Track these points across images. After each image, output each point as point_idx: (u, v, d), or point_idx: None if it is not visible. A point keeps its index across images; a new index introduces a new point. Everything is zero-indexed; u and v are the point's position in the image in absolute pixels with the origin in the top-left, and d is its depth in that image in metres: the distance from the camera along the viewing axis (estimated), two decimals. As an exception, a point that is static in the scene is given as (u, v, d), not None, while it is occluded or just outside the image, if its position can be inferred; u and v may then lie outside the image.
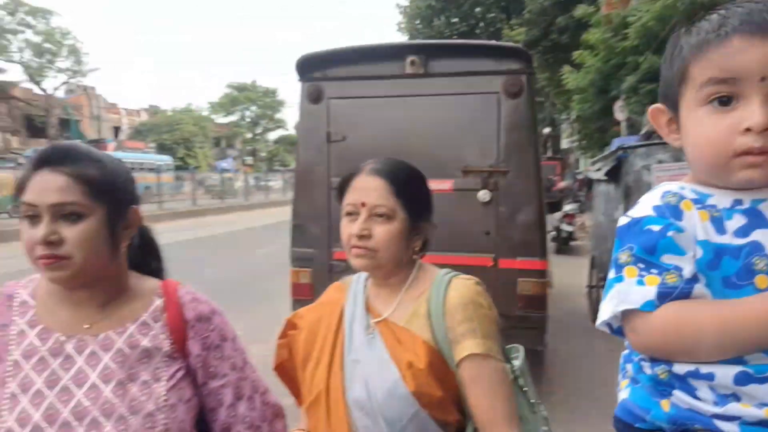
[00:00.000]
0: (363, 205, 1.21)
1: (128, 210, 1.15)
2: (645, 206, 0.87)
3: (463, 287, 1.20)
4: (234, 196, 29.60)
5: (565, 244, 11.98)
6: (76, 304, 1.12)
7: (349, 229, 1.23)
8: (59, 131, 35.74)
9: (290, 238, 4.10)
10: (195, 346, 1.17)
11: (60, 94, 36.90)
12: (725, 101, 0.78)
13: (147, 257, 1.29)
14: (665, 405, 0.85)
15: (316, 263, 3.99)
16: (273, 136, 57.63)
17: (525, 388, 1.26)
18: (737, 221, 0.82)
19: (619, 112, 13.98)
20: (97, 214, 1.07)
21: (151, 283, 1.23)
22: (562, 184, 16.24)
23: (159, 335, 1.14)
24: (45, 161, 1.06)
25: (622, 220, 0.88)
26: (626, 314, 0.83)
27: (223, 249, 12.56)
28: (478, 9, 23.82)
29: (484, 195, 3.71)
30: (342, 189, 1.28)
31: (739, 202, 0.83)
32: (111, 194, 1.10)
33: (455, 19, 23.35)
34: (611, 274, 0.86)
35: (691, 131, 0.84)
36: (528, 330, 3.62)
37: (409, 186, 1.25)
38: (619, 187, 5.84)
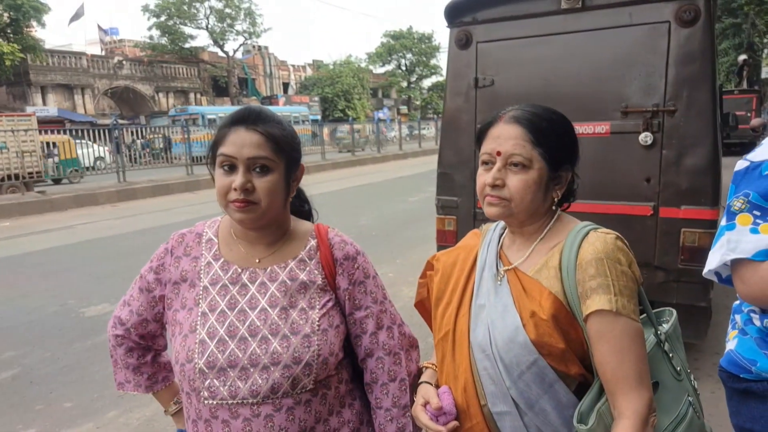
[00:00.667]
0: (498, 154, 1.21)
1: (297, 166, 1.34)
2: (766, 150, 0.81)
3: (599, 241, 1.14)
4: (389, 144, 30.50)
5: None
6: (251, 243, 1.34)
7: (483, 178, 1.23)
8: (239, 90, 39.74)
9: (436, 186, 4.20)
10: (343, 281, 1.34)
11: (239, 55, 40.75)
12: None
13: (302, 203, 1.48)
14: None
15: (461, 211, 4.05)
16: (427, 83, 57.53)
17: (671, 354, 1.19)
18: None
19: None
20: (280, 168, 1.26)
21: (307, 226, 1.42)
22: (756, 122, 13.93)
23: (313, 270, 1.33)
24: (242, 120, 1.25)
25: (740, 164, 0.83)
26: (736, 263, 0.79)
27: (379, 197, 13.16)
28: None
29: (645, 137, 3.40)
30: (480, 137, 1.28)
31: None
32: (289, 152, 1.28)
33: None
34: (723, 221, 0.82)
35: None
36: (691, 285, 3.32)
37: (550, 134, 1.20)
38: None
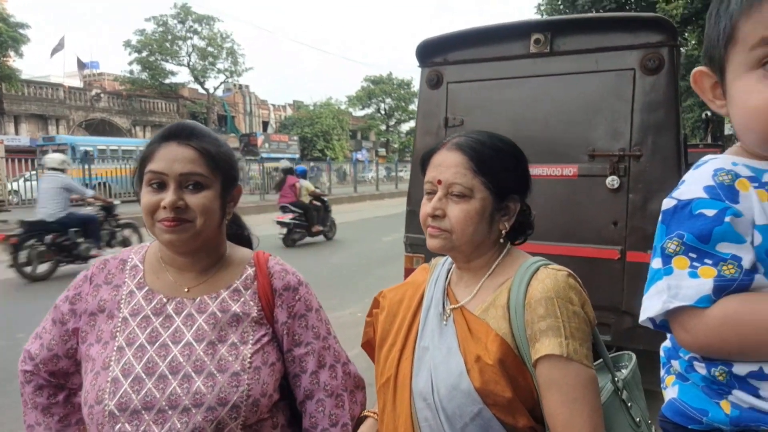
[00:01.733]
0: (439, 182, 1.15)
1: (234, 186, 1.24)
2: (694, 187, 0.76)
3: (550, 278, 1.07)
4: (366, 185, 30.68)
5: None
6: (180, 270, 1.23)
7: (425, 208, 1.18)
8: (217, 126, 39.80)
9: (405, 224, 4.14)
10: (281, 314, 1.23)
11: (219, 92, 41.02)
12: None
13: (239, 228, 1.38)
14: (726, 406, 0.75)
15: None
16: (405, 128, 58.60)
17: (629, 404, 1.12)
18: None
19: None
20: (215, 186, 1.17)
21: (245, 252, 1.31)
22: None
23: (249, 301, 1.22)
24: (173, 135, 1.16)
25: (667, 203, 0.79)
26: (676, 310, 0.73)
27: (353, 235, 13.09)
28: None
29: (612, 181, 3.41)
30: (423, 165, 1.23)
31: None
32: (226, 170, 1.20)
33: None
34: (656, 264, 0.76)
35: (740, 98, 0.75)
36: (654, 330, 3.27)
37: (494, 162, 1.15)
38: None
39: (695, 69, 0.84)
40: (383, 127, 57.34)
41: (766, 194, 0.74)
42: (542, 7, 24.43)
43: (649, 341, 3.30)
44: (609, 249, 3.40)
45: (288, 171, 11.73)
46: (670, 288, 0.74)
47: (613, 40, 3.45)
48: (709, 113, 22.73)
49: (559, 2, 23.12)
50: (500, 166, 1.16)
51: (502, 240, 1.20)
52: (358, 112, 55.98)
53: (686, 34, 16.03)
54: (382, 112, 56.64)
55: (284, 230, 11.02)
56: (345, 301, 6.69)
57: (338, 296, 6.81)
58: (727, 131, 24.03)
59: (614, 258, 3.39)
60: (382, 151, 56.27)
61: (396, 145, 58.54)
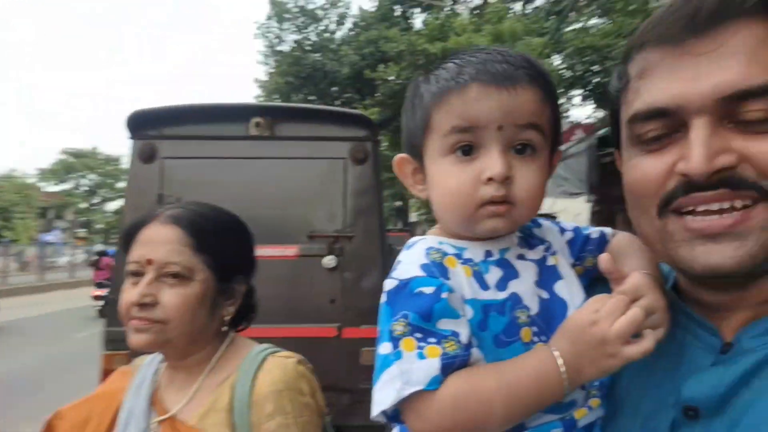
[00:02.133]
0: (150, 262, 0.98)
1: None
2: (411, 266, 0.77)
3: (278, 368, 0.98)
4: (58, 271, 26.19)
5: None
6: None
7: (128, 295, 0.97)
8: None
9: (105, 316, 3.55)
10: None
11: None
12: (467, 150, 0.77)
13: None
14: None
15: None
16: (113, 206, 53.08)
17: None
18: (494, 274, 0.79)
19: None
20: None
21: None
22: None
23: None
24: None
25: (389, 283, 0.78)
26: (409, 397, 0.70)
27: (34, 334, 10.82)
28: (334, 88, 24.89)
29: (329, 261, 3.59)
30: (127, 243, 1.03)
31: (489, 253, 0.81)
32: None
33: (312, 97, 24.09)
34: (384, 349, 0.74)
35: (437, 181, 0.80)
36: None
37: (217, 237, 1.03)
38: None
39: (397, 156, 0.88)
40: (84, 205, 50.74)
41: (470, 270, 0.79)
42: (261, 100, 25.84)
43: (367, 416, 3.43)
44: (327, 327, 3.50)
45: None
46: (402, 373, 0.71)
47: (327, 130, 3.76)
48: (399, 203, 26.96)
49: (276, 96, 24.82)
50: (224, 242, 1.04)
51: (225, 328, 1.05)
52: (53, 188, 48.50)
53: (380, 137, 18.85)
54: (84, 189, 50.31)
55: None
56: (15, 421, 5.27)
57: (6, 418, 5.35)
58: (413, 218, 28.75)
59: (332, 336, 3.49)
60: (83, 232, 49.38)
61: (101, 226, 52.16)
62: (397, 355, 0.72)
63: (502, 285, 0.78)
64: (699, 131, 0.62)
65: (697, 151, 0.62)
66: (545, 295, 0.80)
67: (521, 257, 0.82)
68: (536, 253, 0.84)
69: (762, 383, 0.65)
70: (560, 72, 19.39)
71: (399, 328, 0.73)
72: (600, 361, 0.67)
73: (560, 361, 0.69)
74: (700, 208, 0.64)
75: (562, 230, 0.91)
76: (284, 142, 3.73)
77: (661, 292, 0.73)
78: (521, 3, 24.51)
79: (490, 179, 0.75)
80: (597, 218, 7.00)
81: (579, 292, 0.83)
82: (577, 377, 0.69)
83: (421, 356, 0.71)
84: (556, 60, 19.61)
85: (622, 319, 0.65)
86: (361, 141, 3.76)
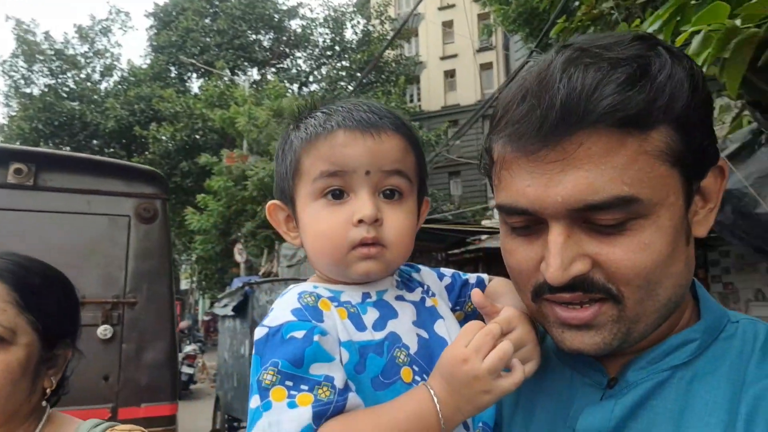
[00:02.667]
0: None
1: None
2: (283, 312, 0.75)
3: None
4: None
5: (185, 388, 11.26)
6: None
7: None
8: None
9: None
10: None
11: None
12: (338, 194, 0.79)
13: None
14: None
15: None
16: None
17: None
18: (372, 314, 0.79)
19: (239, 255, 14.84)
20: None
21: None
22: (182, 324, 15.61)
23: None
24: None
25: (259, 332, 0.76)
26: None
27: None
28: (95, 141, 22.46)
29: (104, 331, 3.13)
30: None
31: (367, 295, 0.82)
32: None
33: (67, 148, 21.30)
34: (254, 402, 0.71)
35: (309, 226, 0.81)
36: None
37: (46, 295, 0.90)
38: (245, 321, 5.93)
39: (269, 202, 0.88)
40: None
41: (346, 312, 0.78)
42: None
43: None
44: (99, 408, 3.01)
45: None
46: (271, 425, 0.67)
47: (108, 184, 3.38)
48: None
49: (19, 143, 21.36)
50: (53, 301, 0.90)
51: (44, 402, 0.88)
52: None
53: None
54: None
55: None
56: None
57: None
58: (183, 286, 26.72)
59: (104, 419, 3.00)
60: None
61: None
62: (266, 407, 0.68)
63: (380, 325, 0.78)
64: (556, 238, 0.65)
65: (553, 262, 0.65)
66: (425, 334, 0.81)
67: (400, 298, 0.84)
68: (415, 295, 0.86)
69: (648, 414, 0.68)
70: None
71: (268, 377, 0.69)
72: (475, 397, 0.68)
73: (436, 399, 0.68)
74: (563, 303, 0.68)
75: (441, 276, 0.94)
76: (55, 193, 3.24)
77: (532, 327, 0.75)
78: (297, 85, 26.15)
79: (360, 221, 0.76)
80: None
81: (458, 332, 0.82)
82: (454, 415, 0.69)
83: (292, 405, 0.68)
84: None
85: (492, 355, 0.67)
86: (150, 198, 3.47)
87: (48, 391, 0.89)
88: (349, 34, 25.90)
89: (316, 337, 0.71)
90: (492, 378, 0.66)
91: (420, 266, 0.94)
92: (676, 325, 0.74)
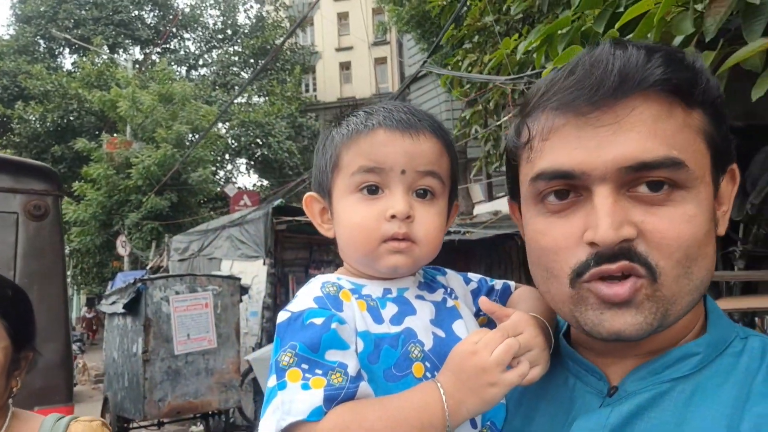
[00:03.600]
0: None
1: None
2: (305, 299, 0.80)
3: (88, 430, 0.97)
4: None
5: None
6: None
7: None
8: None
9: None
10: None
11: None
12: (374, 190, 0.82)
13: None
14: None
15: None
16: None
17: None
18: (390, 309, 0.82)
19: (122, 248, 13.94)
20: None
21: None
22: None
23: None
24: None
25: (282, 315, 0.80)
26: (289, 427, 0.71)
27: None
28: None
29: None
30: None
31: (388, 291, 0.85)
32: None
33: None
34: (271, 381, 0.74)
35: (343, 218, 0.84)
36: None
37: (17, 304, 0.98)
38: (138, 319, 5.73)
39: (307, 194, 0.92)
40: None
41: (365, 304, 0.81)
42: None
43: None
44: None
45: None
46: (284, 403, 0.71)
47: (-8, 179, 3.18)
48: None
49: None
50: (21, 308, 0.98)
51: (10, 399, 0.97)
52: None
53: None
54: None
55: None
56: None
57: None
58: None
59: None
60: None
61: None
62: (282, 386, 0.72)
63: (397, 320, 0.81)
64: (604, 200, 0.65)
65: (604, 221, 0.64)
66: (441, 333, 0.83)
67: (420, 297, 0.86)
68: (436, 296, 0.88)
69: (644, 425, 0.68)
70: (227, 140, 20.30)
71: (286, 359, 0.73)
72: (481, 390, 0.69)
73: (442, 391, 0.70)
74: (605, 278, 0.67)
75: (467, 280, 0.95)
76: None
77: (542, 333, 0.75)
78: (185, 68, 24.88)
79: (393, 216, 0.80)
80: (272, 279, 7.56)
81: None
82: (460, 408, 0.70)
83: (306, 387, 0.71)
84: (222, 130, 20.48)
85: (500, 348, 0.69)
86: (40, 195, 3.31)
87: (15, 390, 0.97)
88: (241, 18, 25.13)
89: (333, 325, 0.74)
90: (499, 371, 0.69)
91: (447, 270, 0.96)
92: (685, 335, 0.74)
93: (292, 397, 0.71)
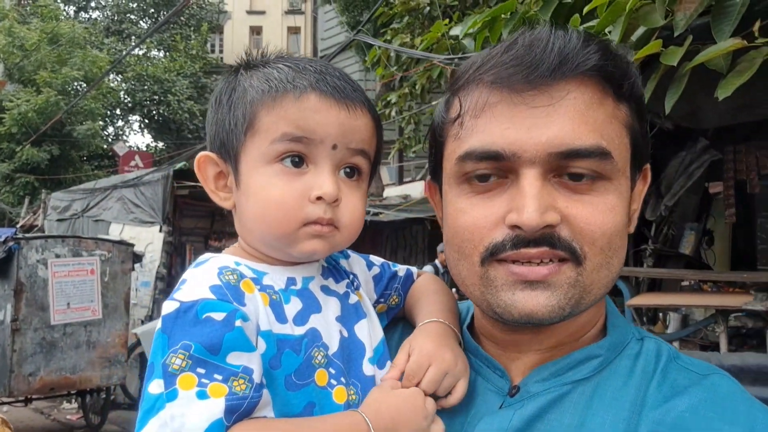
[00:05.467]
0: None
1: None
2: (198, 286, 0.67)
3: None
4: None
5: None
6: None
7: None
8: None
9: None
10: None
11: None
12: (297, 162, 0.71)
13: None
14: None
15: None
16: None
17: None
18: (294, 306, 0.73)
19: (-12, 202, 12.32)
20: None
21: None
22: None
23: None
24: None
25: (168, 306, 0.66)
26: None
27: None
28: None
29: None
30: None
31: (292, 281, 0.75)
32: None
33: None
34: (155, 387, 0.63)
35: (257, 190, 0.72)
36: None
37: None
38: (7, 282, 5.04)
39: (201, 153, 0.78)
40: None
41: (268, 298, 0.70)
42: None
43: None
44: None
45: None
46: (175, 418, 0.60)
47: None
48: None
49: None
50: None
51: None
52: None
53: None
54: None
55: None
56: None
57: None
58: None
59: None
60: None
61: None
62: (171, 396, 0.60)
63: (301, 319, 0.72)
64: (532, 184, 0.64)
65: (530, 205, 0.63)
66: (345, 333, 0.76)
67: (325, 289, 0.78)
68: (340, 287, 0.81)
69: (544, 427, 0.67)
70: (120, 94, 18.58)
71: (177, 361, 0.61)
72: None
73: (371, 426, 0.66)
74: (524, 260, 0.66)
75: (370, 265, 0.89)
76: None
77: (451, 343, 0.75)
78: (74, 9, 22.34)
79: (319, 198, 0.70)
80: (168, 248, 7.00)
81: (378, 334, 0.81)
82: None
83: (202, 396, 0.60)
84: (115, 82, 18.72)
85: (427, 407, 0.69)
86: None
87: None
88: (144, -38, 22.93)
89: (238, 322, 0.64)
90: (428, 424, 0.69)
91: (350, 252, 0.88)
92: (585, 332, 0.74)
93: (186, 410, 0.60)
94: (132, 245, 5.89)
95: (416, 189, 9.49)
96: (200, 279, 0.68)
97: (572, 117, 0.64)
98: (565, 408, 0.68)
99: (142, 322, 6.49)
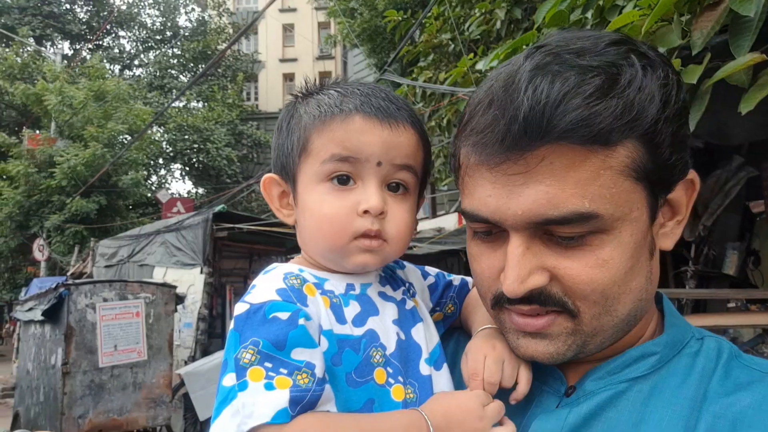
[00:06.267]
0: None
1: None
2: (266, 290, 0.73)
3: None
4: None
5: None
6: None
7: None
8: None
9: None
10: None
11: None
12: (344, 180, 0.76)
13: None
14: None
15: None
16: None
17: None
18: (353, 309, 0.78)
19: (39, 252, 12.91)
20: None
21: None
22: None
23: None
24: None
25: (240, 307, 0.73)
26: (254, 431, 0.65)
27: None
28: None
29: None
30: None
31: (351, 287, 0.80)
32: None
33: None
34: (229, 380, 0.68)
35: (312, 207, 0.78)
36: None
37: None
38: (58, 327, 5.25)
39: (266, 175, 0.84)
40: None
41: (329, 301, 0.76)
42: None
43: None
44: None
45: None
46: (246, 406, 0.65)
47: None
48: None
49: None
50: None
51: None
52: None
53: None
54: None
55: None
56: None
57: None
58: None
59: None
60: None
61: None
62: (242, 386, 0.66)
63: (359, 321, 0.77)
64: (513, 252, 0.66)
65: (510, 274, 0.65)
66: (402, 335, 0.80)
67: (382, 295, 0.82)
68: (397, 294, 0.85)
69: (602, 425, 0.68)
70: (162, 144, 19.42)
71: (247, 356, 0.67)
72: None
73: (430, 425, 0.69)
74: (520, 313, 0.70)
75: (425, 274, 0.92)
76: None
77: (505, 343, 0.76)
78: (119, 67, 23.71)
79: (366, 212, 0.75)
80: (209, 289, 7.18)
81: (434, 338, 0.84)
82: None
83: (269, 387, 0.65)
84: (157, 134, 19.61)
85: (492, 409, 0.71)
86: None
87: None
88: (182, 20, 24.32)
89: (301, 321, 0.69)
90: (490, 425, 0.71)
91: (405, 263, 0.92)
92: (640, 336, 0.74)
93: (255, 399, 0.65)
94: (175, 287, 6.06)
95: (450, 221, 9.48)
96: (268, 284, 0.74)
97: (549, 184, 0.62)
98: (623, 405, 0.68)
99: (186, 363, 6.59)
